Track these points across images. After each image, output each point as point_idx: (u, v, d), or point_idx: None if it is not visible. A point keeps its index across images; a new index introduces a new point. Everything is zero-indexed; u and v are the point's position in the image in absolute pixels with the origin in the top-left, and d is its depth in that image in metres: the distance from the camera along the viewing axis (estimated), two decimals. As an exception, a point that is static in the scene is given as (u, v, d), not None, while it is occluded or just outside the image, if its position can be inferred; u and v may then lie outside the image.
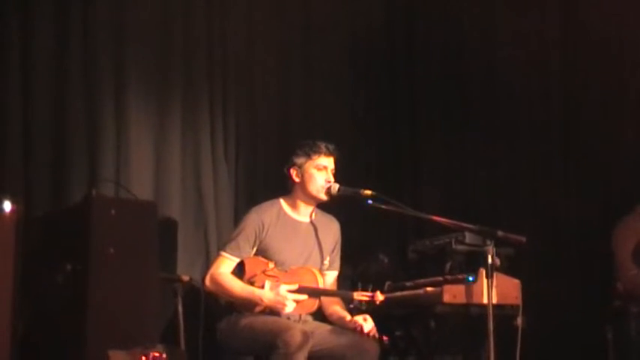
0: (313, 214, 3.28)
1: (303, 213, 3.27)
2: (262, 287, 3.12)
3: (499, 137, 4.20)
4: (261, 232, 3.19)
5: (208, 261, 3.55)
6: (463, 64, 4.27)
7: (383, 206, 3.04)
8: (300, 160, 3.22)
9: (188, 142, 3.68)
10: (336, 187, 3.20)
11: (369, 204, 3.07)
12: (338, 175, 3.25)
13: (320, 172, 3.21)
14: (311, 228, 3.27)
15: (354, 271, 3.58)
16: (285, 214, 3.26)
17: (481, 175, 4.24)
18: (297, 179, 3.24)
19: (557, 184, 4.16)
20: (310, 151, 3.21)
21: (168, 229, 3.57)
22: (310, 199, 3.23)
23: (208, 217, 3.70)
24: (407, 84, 4.29)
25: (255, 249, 3.22)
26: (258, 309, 3.10)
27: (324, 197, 3.20)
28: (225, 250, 3.21)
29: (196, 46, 3.67)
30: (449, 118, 4.27)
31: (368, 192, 3.10)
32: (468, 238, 3.33)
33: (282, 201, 3.29)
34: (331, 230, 3.32)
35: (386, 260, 3.66)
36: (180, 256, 3.60)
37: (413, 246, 3.65)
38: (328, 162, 3.23)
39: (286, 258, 3.19)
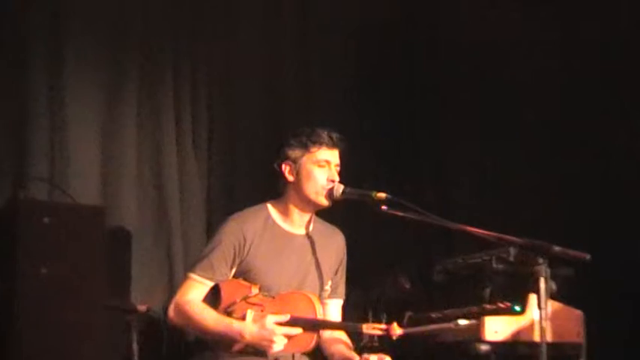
0: (311, 224, 3.27)
1: (298, 222, 3.25)
2: (243, 319, 3.10)
3: (545, 133, 4.32)
4: (242, 248, 3.16)
5: (173, 285, 3.61)
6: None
7: (401, 213, 3.01)
8: (294, 154, 3.19)
9: (146, 132, 3.73)
10: (340, 188, 3.17)
11: (384, 210, 3.04)
12: (342, 174, 3.25)
13: (321, 169, 3.18)
14: (307, 242, 3.25)
15: (365, 297, 3.63)
16: (274, 223, 3.23)
17: (526, 178, 4.33)
18: (290, 178, 3.21)
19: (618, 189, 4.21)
20: (308, 142, 3.17)
21: (120, 242, 3.62)
22: (307, 204, 3.20)
23: (172, 227, 3.75)
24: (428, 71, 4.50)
25: (234, 270, 3.19)
26: (237, 347, 3.09)
27: (325, 202, 3.17)
28: (194, 272, 3.17)
29: (157, 17, 3.79)
30: (474, 108, 4.44)
31: (382, 194, 3.05)
32: (513, 254, 3.35)
33: (270, 207, 3.26)
34: (334, 245, 3.30)
35: (405, 283, 3.72)
36: (135, 279, 3.64)
37: (440, 265, 3.66)
38: (332, 156, 3.20)
39: (275, 281, 3.16)
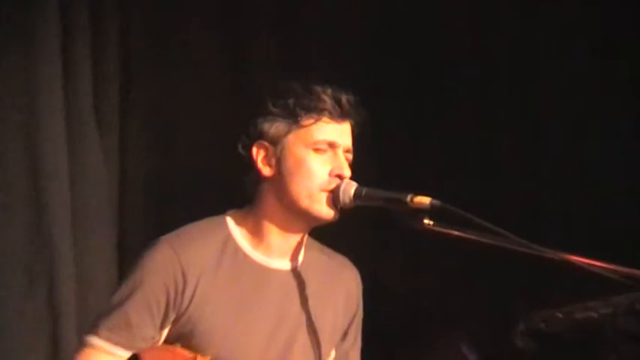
0: (301, 253, 3.16)
1: (279, 249, 3.13)
2: None
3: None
4: (180, 294, 3.03)
5: (57, 355, 3.64)
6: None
7: (456, 232, 2.89)
8: (274, 128, 3.09)
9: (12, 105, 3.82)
10: (352, 188, 3.02)
11: (426, 227, 2.91)
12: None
13: (319, 157, 3.06)
14: (294, 284, 3.14)
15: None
16: (238, 251, 3.10)
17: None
18: (265, 171, 3.08)
19: None
20: (298, 108, 3.06)
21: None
22: (296, 216, 3.09)
23: (57, 253, 3.72)
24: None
25: (165, 330, 3.04)
26: None
27: (326, 212, 3.03)
28: (97, 333, 3.03)
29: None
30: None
31: (424, 199, 2.90)
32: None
33: (230, 222, 3.13)
34: (342, 288, 3.22)
35: (468, 354, 3.77)
36: None
37: (526, 323, 3.50)
38: (339, 133, 3.09)
39: (238, 351, 3.05)
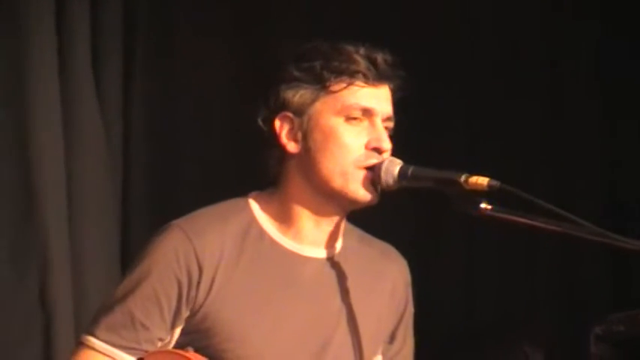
0: (339, 240, 2.99)
1: (312, 235, 2.95)
2: None
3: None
4: (194, 285, 2.87)
5: (52, 352, 3.66)
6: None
7: (522, 218, 2.75)
8: (299, 96, 2.91)
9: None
10: (396, 166, 2.85)
11: (485, 212, 2.75)
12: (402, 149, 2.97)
13: (353, 128, 2.88)
14: (333, 275, 2.96)
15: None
16: (264, 236, 2.93)
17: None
18: (291, 147, 2.91)
19: None
20: (326, 71, 2.88)
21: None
22: (328, 198, 2.91)
23: (51, 243, 3.67)
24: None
25: (178, 329, 2.88)
26: None
27: (364, 195, 2.86)
28: (96, 333, 2.88)
29: None
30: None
31: (483, 180, 2.75)
32: None
33: (254, 205, 2.96)
34: (388, 280, 3.05)
35: (533, 355, 3.82)
36: None
37: (604, 325, 3.57)
38: (374, 97, 2.90)
39: (264, 349, 2.89)
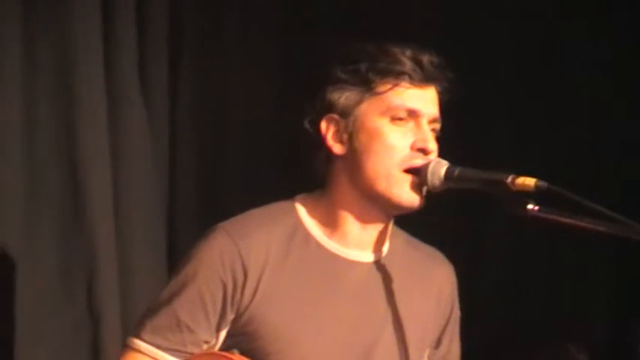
0: (386, 244, 3.00)
1: (358, 239, 2.96)
2: None
3: None
4: (239, 288, 2.89)
5: None
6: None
7: (569, 219, 2.74)
8: (344, 98, 2.92)
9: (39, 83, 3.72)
10: (442, 167, 2.85)
11: (532, 213, 2.74)
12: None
13: (399, 129, 2.88)
14: (379, 279, 2.98)
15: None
16: (310, 239, 2.95)
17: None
18: (337, 149, 2.92)
19: None
20: (371, 73, 2.88)
21: None
22: (374, 201, 2.91)
23: (99, 250, 3.66)
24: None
25: (224, 331, 2.90)
26: None
27: (409, 198, 2.86)
28: (141, 336, 2.91)
29: None
30: None
31: (528, 180, 2.74)
32: None
33: (300, 208, 2.98)
34: (435, 284, 3.07)
35: (579, 356, 3.86)
36: (23, 345, 3.60)
37: None
38: (420, 99, 2.91)
39: (310, 352, 2.91)
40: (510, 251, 4.28)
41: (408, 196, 2.84)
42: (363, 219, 2.93)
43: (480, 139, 4.39)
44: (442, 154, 2.94)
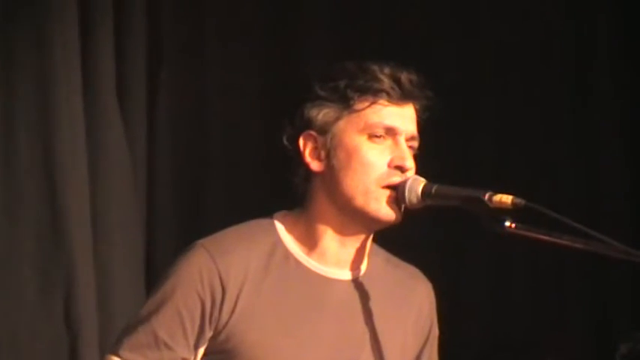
0: (364, 261, 2.98)
1: (336, 257, 2.95)
2: None
3: None
4: (217, 305, 2.87)
5: None
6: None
7: (545, 236, 2.74)
8: (324, 115, 2.92)
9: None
10: (419, 184, 2.84)
11: (508, 230, 2.74)
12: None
13: (377, 146, 2.88)
14: (354, 297, 2.96)
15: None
16: (289, 258, 2.94)
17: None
18: (314, 165, 2.92)
19: None
20: (350, 90, 2.88)
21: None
22: (353, 217, 2.90)
23: (76, 262, 3.67)
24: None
25: (201, 348, 2.88)
26: None
27: (386, 213, 2.85)
28: (117, 352, 2.87)
29: None
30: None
31: (507, 198, 2.74)
32: None
33: (279, 226, 2.97)
34: (414, 303, 3.06)
35: None
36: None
37: (629, 342, 3.68)
38: (400, 117, 2.91)
39: None
40: (492, 265, 4.26)
41: (386, 211, 2.83)
42: (342, 235, 2.92)
43: (460, 154, 4.40)
44: (420, 170, 2.92)
